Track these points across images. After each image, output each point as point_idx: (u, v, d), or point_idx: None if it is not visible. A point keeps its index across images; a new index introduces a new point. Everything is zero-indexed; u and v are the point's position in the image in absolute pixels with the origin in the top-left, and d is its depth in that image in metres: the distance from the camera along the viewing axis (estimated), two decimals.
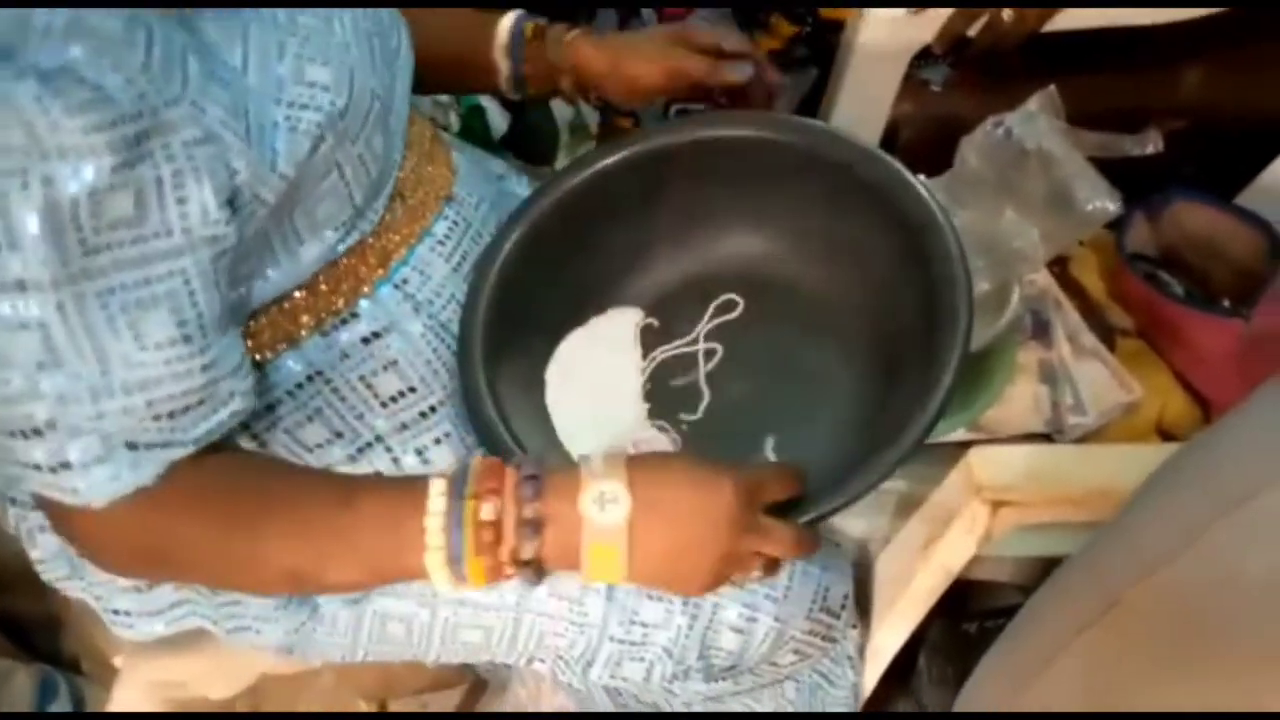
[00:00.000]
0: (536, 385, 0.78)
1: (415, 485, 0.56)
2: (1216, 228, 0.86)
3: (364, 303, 0.67)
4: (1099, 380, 0.84)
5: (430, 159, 0.73)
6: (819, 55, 1.12)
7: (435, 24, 0.80)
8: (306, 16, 0.60)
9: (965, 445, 0.82)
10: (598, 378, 0.80)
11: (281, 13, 0.58)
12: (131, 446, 0.52)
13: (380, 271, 0.68)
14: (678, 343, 0.82)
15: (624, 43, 0.83)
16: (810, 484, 0.64)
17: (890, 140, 1.04)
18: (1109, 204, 0.81)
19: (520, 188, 0.87)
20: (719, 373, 0.80)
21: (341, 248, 0.64)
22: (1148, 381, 0.86)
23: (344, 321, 0.67)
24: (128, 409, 0.51)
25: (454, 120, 1.61)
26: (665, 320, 0.82)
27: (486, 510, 0.54)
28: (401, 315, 0.69)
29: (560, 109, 1.59)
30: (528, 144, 1.61)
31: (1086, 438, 0.84)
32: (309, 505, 0.57)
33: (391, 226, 0.68)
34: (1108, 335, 0.89)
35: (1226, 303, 0.83)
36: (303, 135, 0.56)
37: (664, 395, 0.79)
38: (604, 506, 0.55)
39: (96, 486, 0.52)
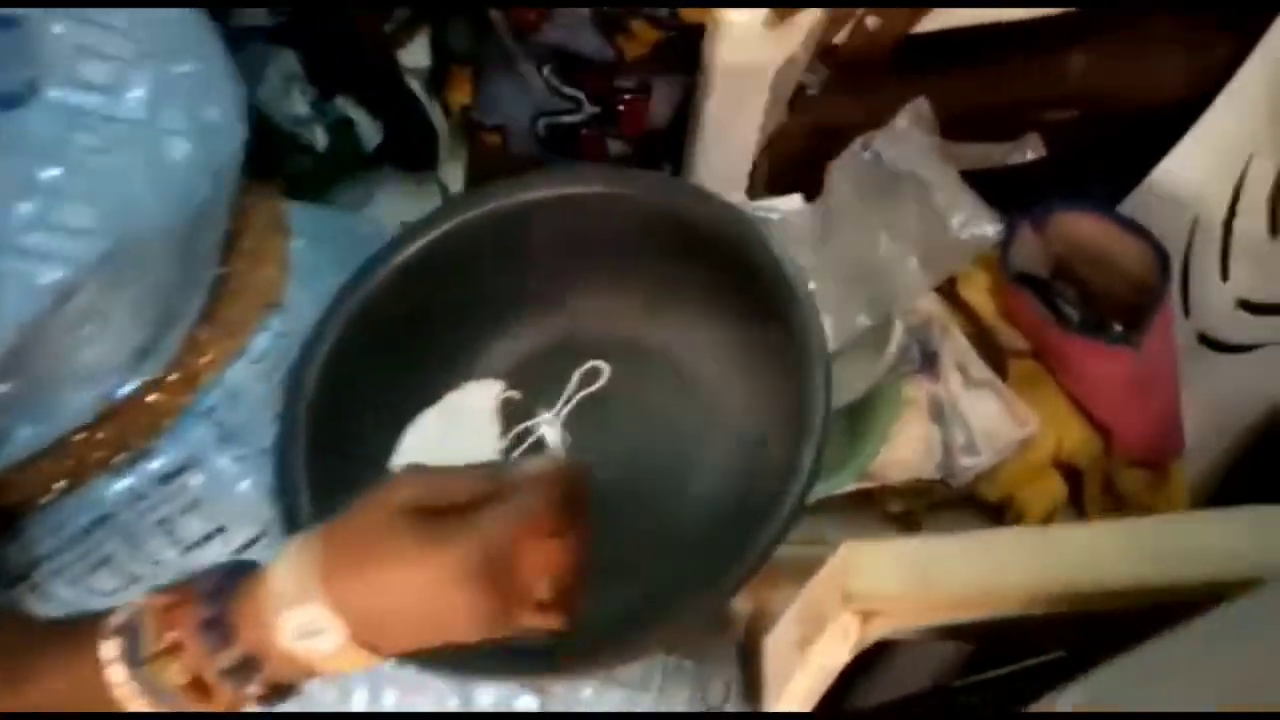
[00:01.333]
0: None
1: (83, 651, 0.43)
2: (1103, 238, 0.81)
3: (160, 440, 0.59)
4: (991, 415, 0.79)
5: (259, 258, 0.64)
6: (688, 61, 1.04)
7: None
8: (86, 135, 0.50)
9: (860, 494, 0.77)
10: (450, 462, 0.72)
11: (49, 131, 0.49)
12: None
13: (183, 399, 0.59)
14: (541, 416, 0.75)
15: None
16: (686, 571, 0.58)
17: (769, 151, 0.97)
18: (987, 228, 0.76)
19: None
20: (584, 444, 0.73)
21: (122, 391, 0.56)
22: (1043, 410, 0.81)
23: (135, 460, 0.58)
24: None
25: (320, 137, 1.50)
26: (528, 391, 0.75)
27: (175, 672, 0.42)
28: (207, 448, 0.60)
29: (436, 111, 1.50)
30: (406, 151, 1.52)
31: (981, 477, 0.79)
32: None
33: (196, 350, 0.60)
34: (999, 358, 0.84)
35: (1118, 327, 0.78)
36: (37, 293, 0.47)
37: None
38: (312, 637, 0.42)
39: None
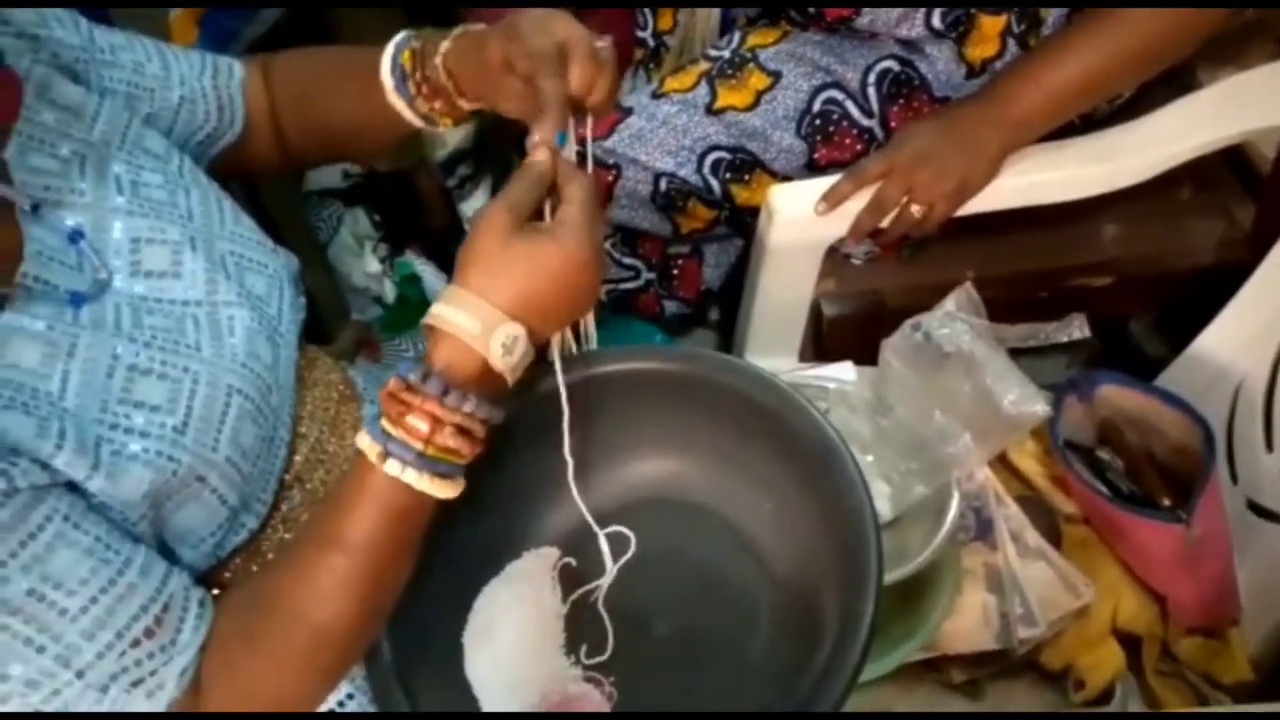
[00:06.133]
0: (453, 656, 0.73)
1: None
2: (1147, 411, 0.84)
3: None
4: (1047, 584, 0.81)
5: (335, 426, 0.70)
6: (742, 230, 1.11)
7: (330, 90, 0.75)
8: (157, 317, 0.58)
9: (923, 663, 0.79)
10: (518, 632, 0.76)
11: (126, 317, 0.56)
12: (137, 683, 0.52)
13: None
14: (597, 583, 0.78)
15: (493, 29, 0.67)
16: None
17: (816, 320, 1.03)
18: (1037, 407, 0.79)
19: None
20: (640, 609, 0.76)
21: (222, 553, 0.61)
22: (1098, 577, 0.83)
23: None
24: (102, 651, 0.51)
25: (389, 289, 1.59)
26: (582, 557, 0.78)
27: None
28: None
29: None
30: None
31: (1042, 645, 0.80)
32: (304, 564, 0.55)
33: (286, 518, 0.65)
34: (1052, 525, 0.86)
35: (1167, 501, 0.80)
36: (129, 462, 0.53)
37: (585, 639, 0.75)
38: (511, 351, 0.54)
39: None
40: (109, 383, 0.54)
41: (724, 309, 1.27)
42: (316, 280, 1.39)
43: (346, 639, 0.56)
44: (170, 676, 0.53)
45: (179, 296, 0.60)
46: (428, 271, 1.57)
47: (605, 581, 0.78)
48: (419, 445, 0.52)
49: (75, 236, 0.57)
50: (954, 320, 0.81)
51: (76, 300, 0.56)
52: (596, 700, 0.73)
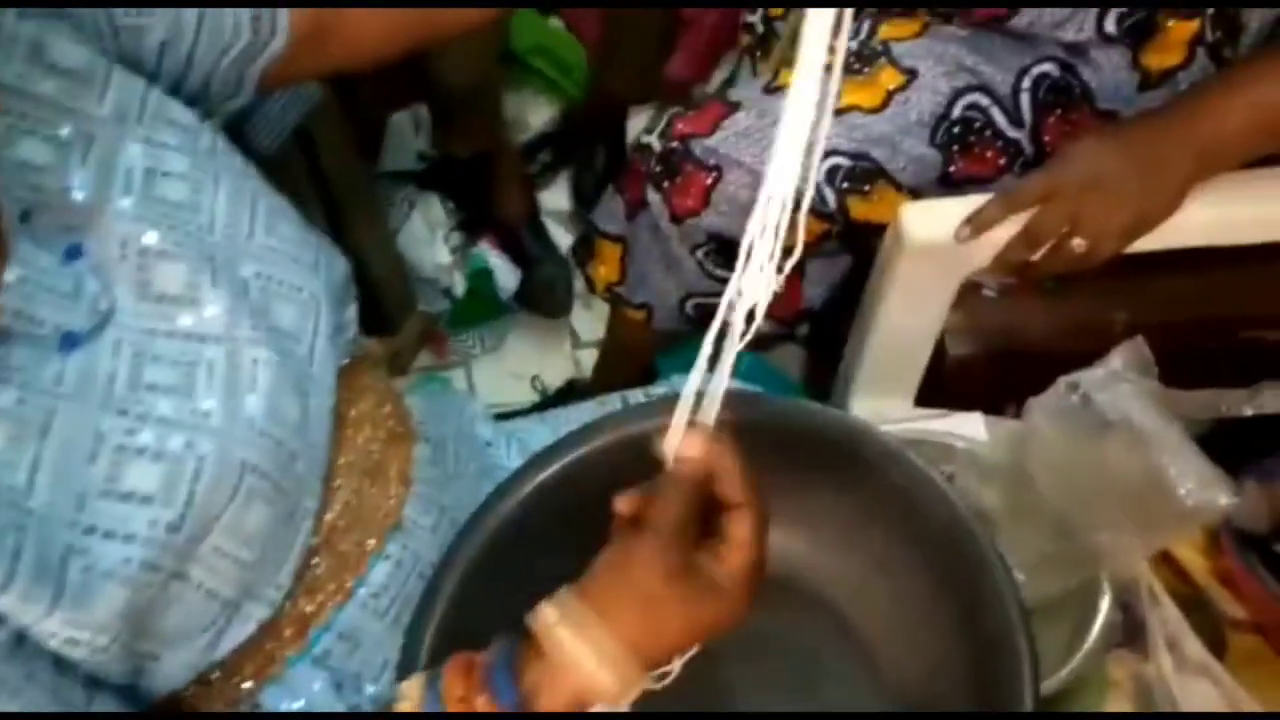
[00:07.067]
0: None
1: None
2: None
3: (269, 691, 0.53)
4: (1208, 705, 0.67)
5: (377, 475, 0.59)
6: (854, 245, 0.98)
7: None
8: (162, 367, 0.47)
9: None
10: None
11: (123, 371, 0.46)
12: None
13: (294, 646, 0.54)
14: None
15: None
16: None
17: (939, 357, 0.89)
18: (1218, 497, 0.65)
19: (511, 458, 0.73)
20: (723, 699, 0.65)
21: (220, 653, 0.51)
22: (1270, 697, 0.69)
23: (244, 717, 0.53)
24: None
25: (459, 281, 1.50)
26: None
27: None
28: (319, 700, 0.54)
29: (572, 260, 1.48)
30: (541, 297, 1.50)
31: None
32: None
33: (310, 588, 0.54)
34: (1217, 632, 0.72)
35: None
36: (103, 579, 0.43)
37: None
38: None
39: None
40: (89, 470, 0.44)
41: (817, 326, 1.14)
42: (384, 268, 1.30)
43: None
44: None
45: (193, 330, 0.49)
46: (500, 265, 1.47)
47: (678, 663, 0.67)
48: None
49: (72, 254, 0.46)
50: (1120, 382, 0.67)
51: (68, 342, 0.45)
52: None
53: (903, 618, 0.61)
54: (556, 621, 0.43)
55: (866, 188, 0.88)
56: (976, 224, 0.74)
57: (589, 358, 1.44)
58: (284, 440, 0.50)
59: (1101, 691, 0.67)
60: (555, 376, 1.43)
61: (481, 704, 0.42)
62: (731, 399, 0.67)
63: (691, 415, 0.48)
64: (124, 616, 0.43)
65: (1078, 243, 0.73)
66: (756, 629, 0.67)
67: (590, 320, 1.47)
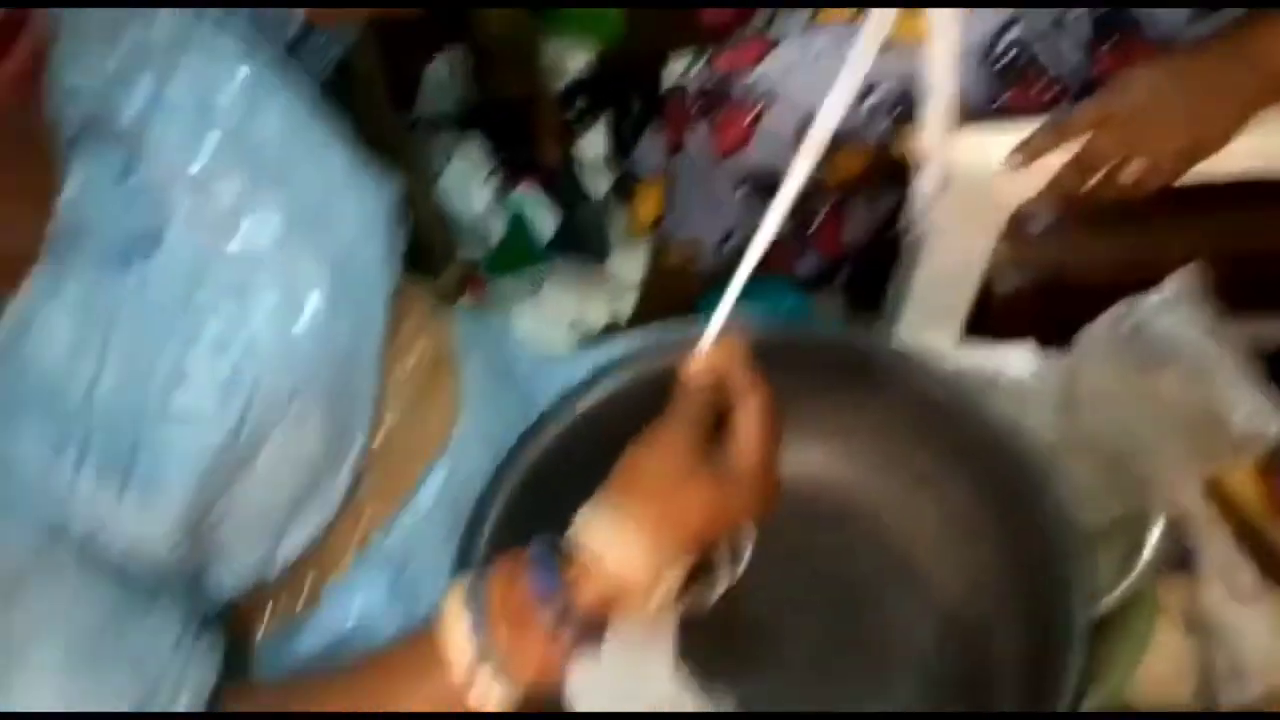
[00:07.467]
0: None
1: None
2: None
3: (329, 594, 0.55)
4: (1262, 636, 0.67)
5: (425, 398, 0.60)
6: (898, 183, 0.97)
7: None
8: (208, 289, 0.47)
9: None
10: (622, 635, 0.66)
11: (175, 291, 0.47)
12: None
13: (351, 555, 0.56)
14: (717, 583, 0.67)
15: None
16: None
17: (986, 290, 0.89)
18: (1271, 426, 0.65)
19: (552, 388, 0.73)
20: (769, 622, 0.65)
21: (278, 559, 0.52)
22: None
23: (296, 626, 0.55)
24: None
25: (497, 227, 1.50)
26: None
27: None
28: (375, 606, 0.56)
29: (610, 204, 1.47)
30: (579, 242, 1.50)
31: (1249, 715, 0.67)
32: None
33: (364, 501, 0.56)
34: (1272, 565, 0.71)
35: None
36: (170, 472, 0.44)
37: (702, 649, 0.64)
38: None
39: None
40: (148, 381, 0.45)
41: (857, 271, 1.13)
42: (422, 214, 1.30)
43: None
44: None
45: (247, 252, 0.50)
46: (539, 210, 1.47)
47: (721, 585, 0.68)
48: (517, 677, 0.45)
49: (125, 174, 0.47)
50: (1175, 310, 0.66)
51: (122, 260, 0.46)
52: None
53: (950, 536, 0.62)
54: (584, 521, 0.46)
55: (913, 121, 0.87)
56: (1028, 151, 0.73)
57: (628, 302, 1.44)
58: (333, 363, 0.51)
59: (1151, 617, 0.67)
60: (594, 321, 1.43)
61: (521, 595, 0.44)
62: (771, 324, 0.68)
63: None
64: (187, 517, 0.45)
65: (1132, 169, 0.72)
66: (798, 551, 0.68)
67: (629, 264, 1.46)
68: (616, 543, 0.45)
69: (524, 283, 1.46)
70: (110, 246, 0.46)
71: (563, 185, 1.47)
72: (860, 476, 0.66)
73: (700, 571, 0.64)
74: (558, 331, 1.41)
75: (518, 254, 1.43)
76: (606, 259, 1.48)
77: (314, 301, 0.50)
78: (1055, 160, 0.74)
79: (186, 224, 0.49)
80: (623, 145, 1.53)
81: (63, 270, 0.44)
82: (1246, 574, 0.70)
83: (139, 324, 0.45)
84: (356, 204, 0.56)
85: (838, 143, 0.92)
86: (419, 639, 0.47)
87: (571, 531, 0.47)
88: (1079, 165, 0.73)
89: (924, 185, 0.81)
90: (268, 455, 0.48)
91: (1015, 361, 0.78)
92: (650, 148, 1.05)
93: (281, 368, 0.48)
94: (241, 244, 0.50)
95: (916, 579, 0.64)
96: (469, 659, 0.44)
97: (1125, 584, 0.65)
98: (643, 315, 1.29)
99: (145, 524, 0.44)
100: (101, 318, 0.44)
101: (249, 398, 0.46)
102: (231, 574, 0.51)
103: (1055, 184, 0.74)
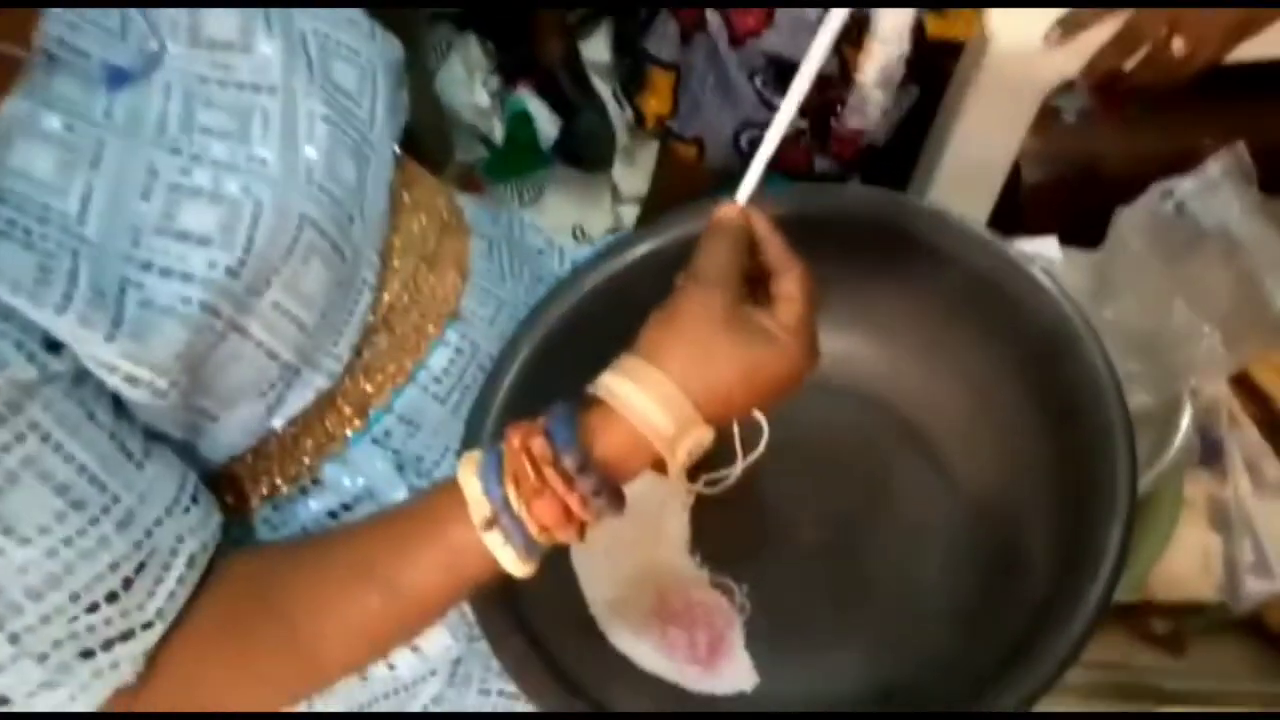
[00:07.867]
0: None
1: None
2: None
3: (330, 467, 0.52)
4: None
5: (434, 262, 0.57)
6: (922, 74, 0.93)
7: None
8: (214, 112, 0.44)
9: (1119, 608, 0.65)
10: (631, 517, 0.64)
11: (174, 111, 0.43)
12: (87, 654, 0.42)
13: (354, 425, 0.52)
14: (731, 469, 0.65)
15: None
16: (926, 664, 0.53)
17: (1013, 184, 0.85)
18: None
19: (564, 266, 0.71)
20: (787, 511, 0.63)
21: (278, 421, 0.49)
22: None
23: (303, 491, 0.52)
24: (48, 615, 0.40)
25: (497, 128, 1.45)
26: (716, 440, 0.65)
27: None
28: (381, 480, 0.53)
29: (616, 110, 1.43)
30: (581, 149, 1.46)
31: (1271, 604, 0.66)
32: (339, 587, 0.45)
33: (369, 367, 0.52)
34: None
35: None
36: (161, 315, 0.41)
37: (715, 539, 0.62)
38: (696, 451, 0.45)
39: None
40: (144, 206, 0.41)
41: (877, 165, 1.09)
42: (420, 112, 1.25)
43: (337, 676, 0.48)
44: (125, 657, 0.43)
45: (247, 79, 0.47)
46: (540, 112, 1.42)
47: (736, 470, 0.65)
48: (535, 530, 0.42)
49: None
50: (1218, 190, 0.64)
51: (115, 79, 0.43)
52: (725, 611, 0.61)
53: (985, 421, 0.59)
54: (610, 375, 0.43)
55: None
56: (1069, 25, 0.69)
57: (630, 213, 1.40)
58: (341, 200, 0.48)
59: (1176, 509, 0.65)
60: (596, 230, 1.39)
61: (538, 446, 0.41)
62: (795, 190, 0.64)
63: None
64: (182, 359, 0.42)
65: (1176, 46, 0.68)
66: (823, 439, 0.65)
67: (632, 175, 1.42)
68: (642, 388, 0.42)
69: (524, 190, 1.42)
70: (100, 66, 0.43)
71: (565, 87, 1.42)
72: (889, 358, 0.63)
73: (716, 459, 0.62)
74: (559, 241, 1.37)
75: (518, 158, 1.39)
76: (609, 169, 1.44)
77: (321, 130, 0.48)
78: (1097, 37, 0.70)
79: (187, 45, 0.46)
80: (628, 45, 1.48)
81: (44, 96, 0.41)
82: (1273, 467, 0.68)
83: (126, 158, 0.42)
84: (362, 44, 0.53)
85: (862, 23, 0.89)
86: (433, 493, 0.44)
87: (594, 385, 0.44)
88: (1121, 41, 0.69)
89: (959, 68, 0.78)
90: (273, 295, 0.45)
91: (1042, 250, 0.76)
92: (665, 31, 1.01)
93: (290, 192, 0.45)
94: (244, 68, 0.47)
95: (947, 467, 0.60)
96: (486, 509, 0.42)
97: (1152, 474, 0.63)
98: (650, 216, 1.26)
99: (135, 367, 0.41)
100: (84, 152, 0.41)
101: (255, 217, 0.43)
102: (228, 434, 0.49)
103: (1095, 63, 0.71)
